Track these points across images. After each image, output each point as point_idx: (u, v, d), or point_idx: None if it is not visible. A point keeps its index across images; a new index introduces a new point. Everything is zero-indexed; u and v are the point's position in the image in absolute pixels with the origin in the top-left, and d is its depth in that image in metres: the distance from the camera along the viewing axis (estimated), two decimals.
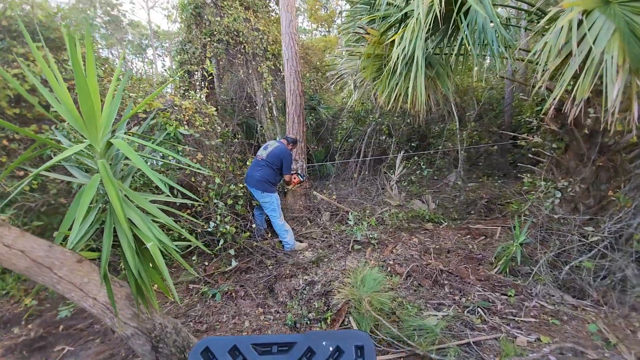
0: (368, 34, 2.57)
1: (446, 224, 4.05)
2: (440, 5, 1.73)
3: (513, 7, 3.05)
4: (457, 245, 3.34)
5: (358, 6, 3.21)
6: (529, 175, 3.01)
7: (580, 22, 1.48)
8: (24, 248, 1.23)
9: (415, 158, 5.72)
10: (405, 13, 2.22)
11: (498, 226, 3.74)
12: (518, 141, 4.08)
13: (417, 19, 1.92)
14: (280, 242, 3.43)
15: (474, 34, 2.08)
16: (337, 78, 3.46)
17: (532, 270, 2.54)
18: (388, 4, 2.68)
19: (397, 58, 2.10)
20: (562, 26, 1.47)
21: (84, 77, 1.22)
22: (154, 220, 1.64)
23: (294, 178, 3.63)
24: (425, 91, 2.37)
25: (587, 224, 2.39)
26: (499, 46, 2.12)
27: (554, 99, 1.68)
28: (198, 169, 1.70)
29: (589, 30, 1.43)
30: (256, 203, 3.49)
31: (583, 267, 2.26)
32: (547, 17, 1.62)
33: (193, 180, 3.20)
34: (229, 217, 3.11)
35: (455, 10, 2.00)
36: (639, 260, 2.14)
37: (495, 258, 2.90)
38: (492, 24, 2.04)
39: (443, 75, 2.73)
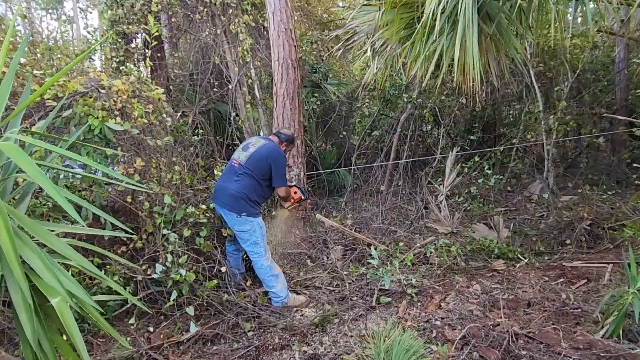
0: None
1: (526, 260, 4.04)
2: None
3: None
4: (543, 295, 3.31)
5: None
6: None
7: None
8: None
9: (477, 159, 5.71)
10: None
11: (608, 263, 3.70)
12: (635, 129, 4.04)
13: None
14: (266, 293, 3.44)
15: None
16: (347, 40, 3.52)
17: None
18: None
19: (435, 9, 2.14)
20: None
21: None
22: (64, 265, 1.68)
23: (294, 193, 3.69)
24: (480, 56, 2.40)
25: None
26: None
27: None
28: (134, 184, 1.74)
29: None
30: (229, 233, 3.53)
31: None
32: None
33: (130, 200, 3.28)
34: (186, 256, 3.15)
35: None
36: None
37: (601, 314, 2.85)
38: None
39: (508, 32, 2.74)
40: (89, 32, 6.17)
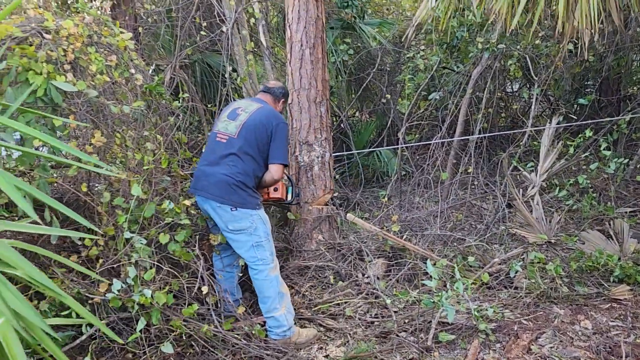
0: None
1: None
2: None
3: None
4: None
5: None
6: None
7: None
8: None
9: (590, 133, 5.62)
10: None
11: None
12: None
13: None
14: (263, 325, 3.54)
15: None
16: None
17: None
18: None
19: None
20: None
21: None
22: (4, 274, 1.82)
23: (274, 190, 3.73)
24: None
25: None
26: None
27: None
28: (104, 167, 1.86)
29: None
30: (215, 239, 3.62)
31: None
32: None
33: (84, 189, 3.38)
34: (153, 270, 3.21)
35: None
36: None
37: None
38: None
39: None
40: None
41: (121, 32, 3.81)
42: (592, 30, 2.83)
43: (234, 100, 5.71)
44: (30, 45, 3.34)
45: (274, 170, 3.50)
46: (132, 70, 3.81)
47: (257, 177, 3.49)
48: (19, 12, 3.77)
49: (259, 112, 3.50)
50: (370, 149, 6.72)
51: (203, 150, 4.03)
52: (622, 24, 5.29)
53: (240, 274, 3.87)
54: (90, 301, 3.18)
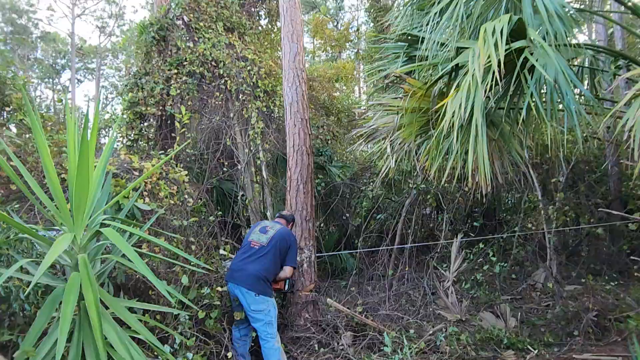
0: (407, 83, 3.27)
1: (536, 352, 4.23)
2: (499, 67, 2.39)
3: (601, 50, 3.87)
4: None
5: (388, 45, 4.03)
6: None
7: None
8: None
9: (481, 245, 6.10)
10: (457, 65, 2.91)
11: (617, 356, 3.90)
12: (630, 222, 4.50)
13: (473, 77, 2.57)
14: None
15: (544, 91, 2.72)
16: (368, 137, 4.12)
17: None
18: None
19: (450, 120, 2.70)
20: None
21: (86, 158, 1.73)
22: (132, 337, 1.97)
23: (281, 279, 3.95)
24: (489, 158, 2.91)
25: None
26: (576, 103, 2.75)
27: None
28: (195, 262, 2.09)
29: None
30: (238, 315, 3.76)
31: None
32: None
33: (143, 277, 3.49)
34: (194, 338, 3.32)
35: (519, 66, 2.67)
36: None
37: None
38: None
39: (509, 135, 3.34)
40: (111, 114, 6.75)
41: (180, 170, 4.15)
42: (486, 184, 3.27)
43: (247, 214, 6.05)
44: (120, 178, 3.63)
45: (288, 270, 3.84)
46: (186, 196, 4.11)
47: (275, 274, 3.77)
48: (113, 154, 4.08)
49: (282, 230, 3.88)
50: (334, 252, 6.94)
51: (221, 251, 4.28)
52: (503, 181, 5.96)
53: (252, 344, 3.96)
54: None
